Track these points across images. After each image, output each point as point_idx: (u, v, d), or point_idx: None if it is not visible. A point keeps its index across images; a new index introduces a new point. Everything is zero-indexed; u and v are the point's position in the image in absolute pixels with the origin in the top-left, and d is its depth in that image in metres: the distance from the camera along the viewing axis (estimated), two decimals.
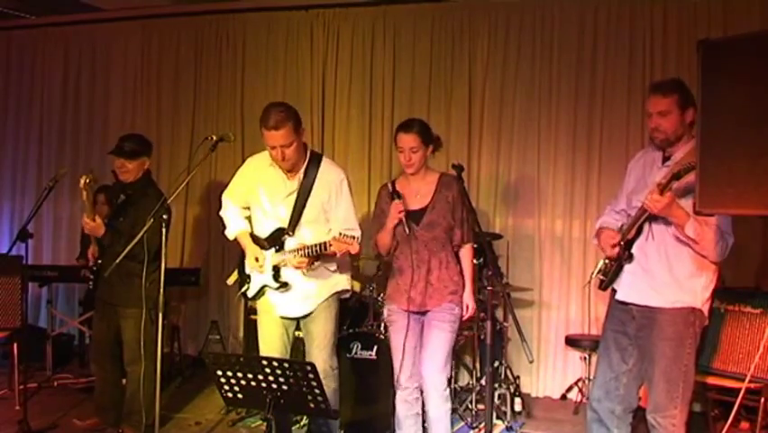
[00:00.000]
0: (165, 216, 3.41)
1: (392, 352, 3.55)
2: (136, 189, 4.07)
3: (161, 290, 3.38)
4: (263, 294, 3.64)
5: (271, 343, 3.61)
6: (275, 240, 3.56)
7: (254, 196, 3.62)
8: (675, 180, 2.78)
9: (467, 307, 3.47)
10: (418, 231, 3.41)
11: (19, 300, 4.76)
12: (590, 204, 5.16)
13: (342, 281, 3.68)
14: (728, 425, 3.00)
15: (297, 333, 3.77)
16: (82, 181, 3.84)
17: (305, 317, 3.62)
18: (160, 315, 3.43)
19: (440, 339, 3.39)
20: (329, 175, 3.55)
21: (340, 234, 3.26)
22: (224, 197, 3.77)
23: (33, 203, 5.14)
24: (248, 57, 5.99)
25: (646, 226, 3.02)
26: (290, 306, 3.59)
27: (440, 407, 3.43)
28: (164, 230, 3.41)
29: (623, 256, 3.06)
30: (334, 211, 3.54)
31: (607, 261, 3.16)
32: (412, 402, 3.49)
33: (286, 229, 3.53)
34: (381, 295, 4.50)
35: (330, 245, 3.26)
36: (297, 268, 3.45)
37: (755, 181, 2.23)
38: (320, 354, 3.55)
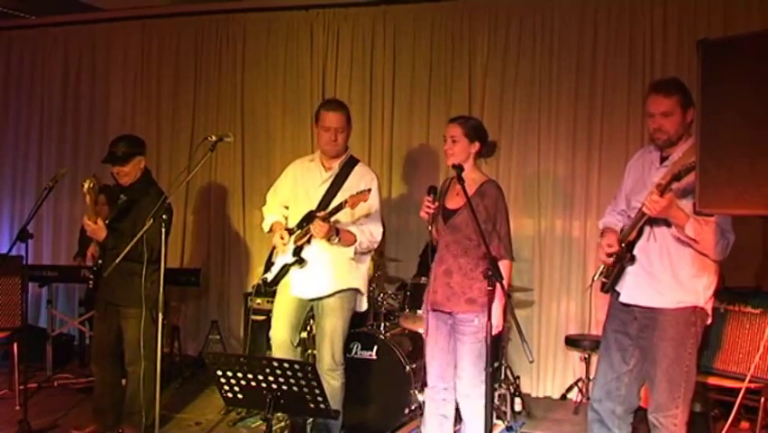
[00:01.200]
0: (165, 216, 3.42)
1: (426, 351, 3.53)
2: (137, 190, 4.05)
3: (161, 290, 3.40)
4: (283, 276, 3.79)
5: (283, 315, 3.79)
6: (303, 222, 3.75)
7: (293, 190, 3.87)
8: (676, 181, 2.78)
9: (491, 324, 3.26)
10: (445, 229, 3.39)
11: (19, 300, 4.77)
12: (590, 204, 5.15)
13: (359, 280, 3.80)
14: (728, 425, 3.01)
15: (302, 335, 3.85)
16: (86, 186, 3.84)
17: (318, 300, 3.74)
18: (160, 315, 3.44)
19: (462, 351, 3.35)
20: (362, 172, 3.82)
21: (357, 192, 3.44)
22: (268, 195, 4.02)
23: (33, 203, 5.14)
24: (248, 57, 5.99)
25: (647, 228, 3.01)
26: (305, 285, 3.75)
27: (479, 421, 3.31)
28: (164, 230, 3.42)
29: (625, 258, 3.06)
30: (360, 204, 3.61)
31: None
32: (438, 402, 3.44)
33: (314, 211, 3.70)
34: (381, 295, 4.51)
35: (346, 203, 3.44)
36: (319, 235, 3.54)
37: (755, 181, 2.23)
38: (328, 350, 3.71)
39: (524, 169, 5.33)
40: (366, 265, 3.88)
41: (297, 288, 3.76)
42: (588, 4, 5.16)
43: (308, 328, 4.32)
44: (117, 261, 3.60)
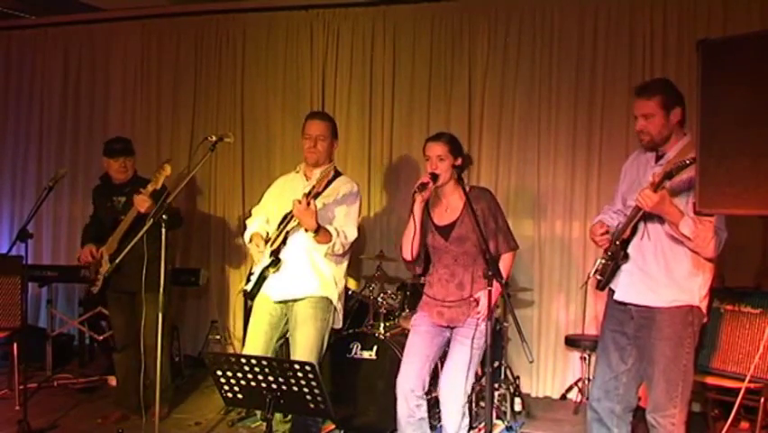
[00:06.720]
0: (165, 217, 3.44)
1: (404, 355, 3.51)
2: (136, 187, 4.18)
3: (162, 291, 3.40)
4: (261, 285, 3.72)
5: (256, 326, 3.71)
6: (280, 224, 3.70)
7: (276, 202, 3.83)
8: (668, 180, 2.78)
9: (478, 300, 3.33)
10: (448, 245, 3.40)
11: (19, 300, 4.77)
12: (590, 204, 5.15)
13: (332, 291, 3.71)
14: (728, 425, 3.01)
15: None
16: (168, 169, 4.04)
17: (291, 304, 3.66)
18: (160, 315, 3.44)
19: (460, 353, 3.35)
20: (343, 181, 3.81)
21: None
22: (253, 209, 4.01)
23: (33, 203, 5.14)
24: (248, 57, 5.98)
25: (641, 226, 3.02)
26: (279, 286, 3.67)
27: (455, 421, 3.35)
28: (164, 230, 3.43)
29: (619, 256, 3.06)
30: (337, 209, 3.65)
31: (603, 260, 3.15)
32: (413, 408, 3.42)
33: (290, 213, 3.63)
34: (381, 296, 4.51)
35: (314, 188, 3.43)
36: (298, 213, 3.43)
37: (755, 181, 2.24)
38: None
39: (524, 169, 5.32)
40: (342, 281, 3.79)
41: (273, 291, 3.69)
42: (588, 4, 5.16)
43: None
44: (117, 260, 3.63)
